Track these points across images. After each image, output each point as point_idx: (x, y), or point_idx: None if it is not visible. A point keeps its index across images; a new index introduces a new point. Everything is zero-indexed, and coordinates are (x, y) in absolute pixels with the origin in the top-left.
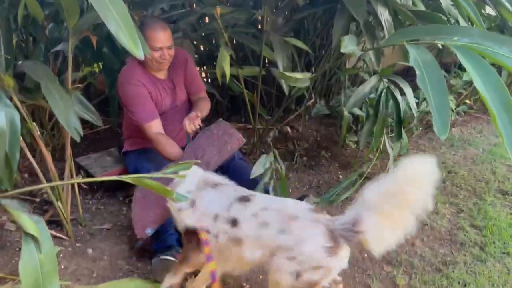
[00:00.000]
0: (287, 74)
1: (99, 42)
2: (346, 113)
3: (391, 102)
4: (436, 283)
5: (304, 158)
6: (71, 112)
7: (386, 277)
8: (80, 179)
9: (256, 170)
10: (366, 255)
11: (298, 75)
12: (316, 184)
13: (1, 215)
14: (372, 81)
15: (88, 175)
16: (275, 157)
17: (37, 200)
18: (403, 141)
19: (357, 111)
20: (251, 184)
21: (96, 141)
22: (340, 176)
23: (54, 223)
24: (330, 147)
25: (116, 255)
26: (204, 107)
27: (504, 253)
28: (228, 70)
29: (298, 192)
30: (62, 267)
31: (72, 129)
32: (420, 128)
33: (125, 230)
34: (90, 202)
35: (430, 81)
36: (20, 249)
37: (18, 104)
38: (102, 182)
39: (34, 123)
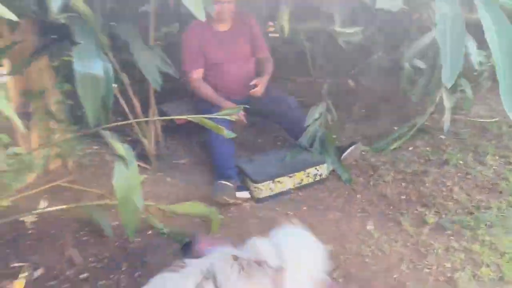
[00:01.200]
0: (338, 30)
1: (175, 3)
2: (406, 65)
3: None
4: (463, 223)
5: (363, 110)
6: (152, 66)
7: (417, 215)
8: (161, 117)
9: (310, 119)
10: (403, 197)
11: (349, 30)
12: (370, 135)
13: (100, 147)
14: (434, 32)
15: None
16: (327, 107)
17: (128, 139)
18: (466, 96)
19: (419, 63)
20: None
21: (174, 92)
22: (396, 128)
23: (141, 157)
24: (391, 100)
25: (190, 183)
26: (269, 69)
27: None
28: (287, 25)
29: (350, 141)
30: (146, 190)
31: (153, 79)
32: (490, 83)
33: (197, 165)
34: (170, 142)
35: (451, 35)
36: None
37: (112, 58)
38: (180, 126)
39: (124, 74)
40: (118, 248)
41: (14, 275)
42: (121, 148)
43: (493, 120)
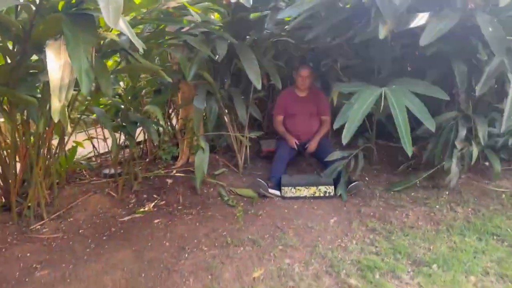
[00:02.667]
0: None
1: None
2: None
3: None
4: (392, 234)
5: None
6: (244, 110)
7: (367, 225)
8: (247, 134)
9: (333, 157)
10: (371, 214)
11: None
12: (388, 183)
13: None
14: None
15: (259, 148)
16: (356, 156)
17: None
18: (494, 168)
19: None
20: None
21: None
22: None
23: (235, 166)
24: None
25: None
26: (323, 130)
27: None
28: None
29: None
30: (230, 182)
31: (243, 117)
32: None
33: (264, 176)
34: (260, 162)
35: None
36: None
37: (222, 104)
38: (265, 153)
39: (227, 112)
40: (201, 199)
41: (151, 201)
42: (202, 143)
43: (506, 190)
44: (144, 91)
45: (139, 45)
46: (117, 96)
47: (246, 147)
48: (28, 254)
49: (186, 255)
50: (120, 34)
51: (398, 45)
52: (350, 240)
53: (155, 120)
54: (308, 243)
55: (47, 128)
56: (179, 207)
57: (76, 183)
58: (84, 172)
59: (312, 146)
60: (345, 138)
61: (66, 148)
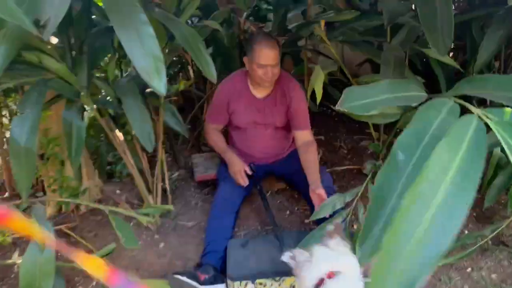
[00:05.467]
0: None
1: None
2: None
3: None
4: None
5: None
6: (146, 125)
7: None
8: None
9: (318, 213)
10: None
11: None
12: None
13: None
14: None
15: (192, 172)
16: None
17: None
18: None
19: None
20: None
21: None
22: (466, 231)
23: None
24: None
25: (179, 254)
26: (311, 156)
27: None
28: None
29: None
30: (133, 254)
31: (145, 140)
32: None
33: (202, 232)
34: (196, 196)
35: None
36: None
37: (97, 115)
38: (200, 182)
39: (117, 131)
40: None
41: None
42: (38, 230)
43: None
44: None
45: None
46: None
47: (163, 172)
48: None
49: None
50: None
51: None
52: None
53: None
54: None
55: None
56: None
57: None
58: None
59: (319, 195)
60: None
61: None
